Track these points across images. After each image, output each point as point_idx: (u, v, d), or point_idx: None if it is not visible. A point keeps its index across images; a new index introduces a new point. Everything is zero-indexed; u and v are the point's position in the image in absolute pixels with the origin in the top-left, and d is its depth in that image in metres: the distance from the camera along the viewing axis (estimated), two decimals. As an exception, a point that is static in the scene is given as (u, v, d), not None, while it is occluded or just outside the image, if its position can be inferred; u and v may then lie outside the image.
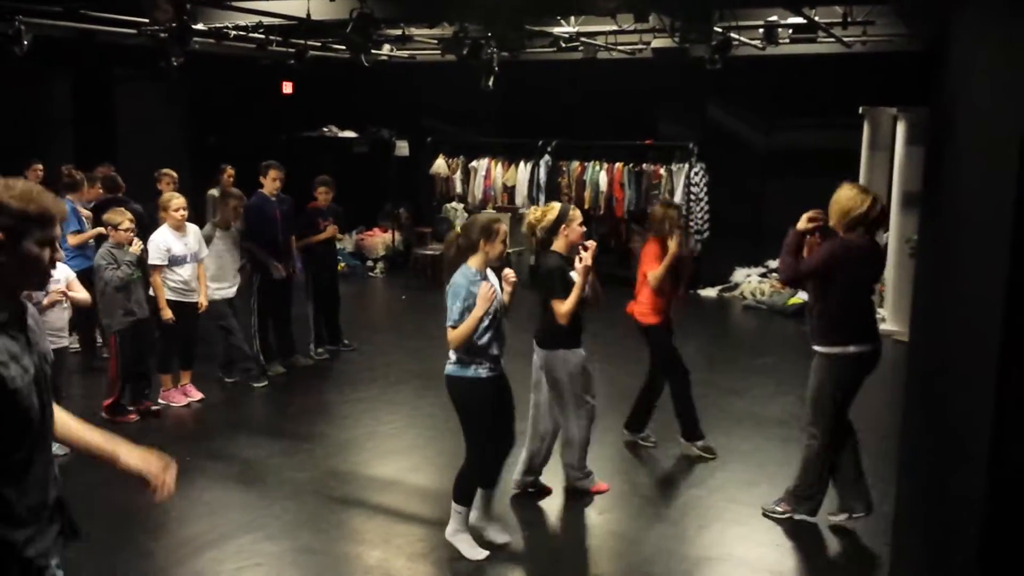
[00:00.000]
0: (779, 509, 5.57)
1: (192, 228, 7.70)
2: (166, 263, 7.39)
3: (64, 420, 2.80)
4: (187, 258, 7.55)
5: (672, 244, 6.45)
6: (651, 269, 6.49)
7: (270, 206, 8.57)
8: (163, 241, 7.42)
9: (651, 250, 6.60)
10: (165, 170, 9.73)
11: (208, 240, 7.97)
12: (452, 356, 5.00)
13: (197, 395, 7.84)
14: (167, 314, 7.38)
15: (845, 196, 5.23)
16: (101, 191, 9.24)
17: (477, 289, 4.82)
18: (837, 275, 5.12)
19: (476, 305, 4.79)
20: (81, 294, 6.49)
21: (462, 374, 4.97)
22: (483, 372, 4.94)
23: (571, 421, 5.73)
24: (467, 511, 5.16)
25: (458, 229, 5.31)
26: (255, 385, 8.31)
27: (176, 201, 7.58)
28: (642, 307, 6.61)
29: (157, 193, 8.69)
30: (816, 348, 5.28)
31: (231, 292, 8.17)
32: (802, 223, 5.33)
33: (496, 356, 4.99)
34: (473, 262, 4.95)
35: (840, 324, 5.16)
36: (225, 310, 8.11)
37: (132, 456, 2.81)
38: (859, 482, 5.40)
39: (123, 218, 7.09)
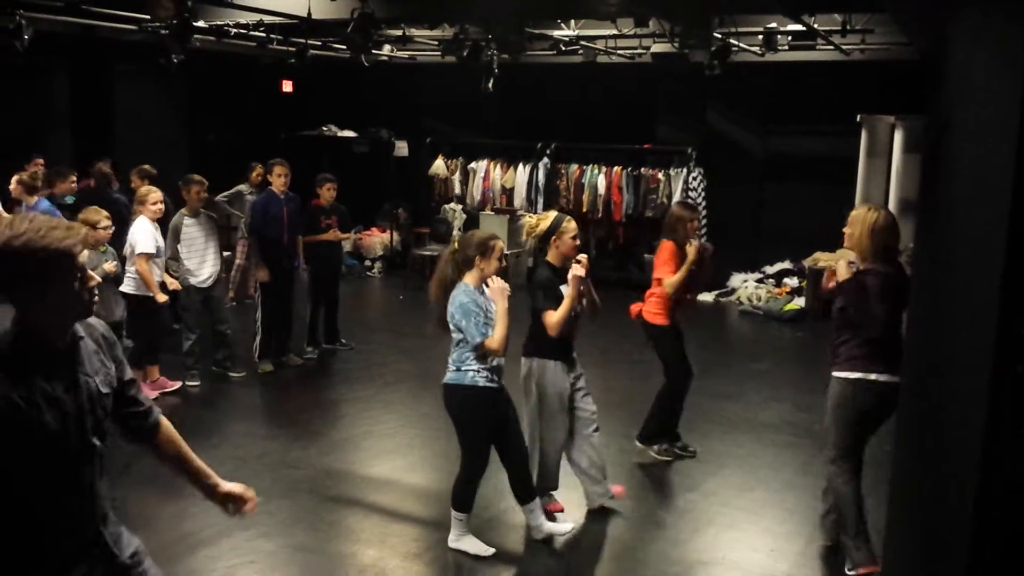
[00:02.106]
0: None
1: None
2: (154, 251, 7.42)
3: (174, 441, 2.95)
4: (159, 252, 7.64)
5: (691, 251, 6.28)
6: (665, 273, 6.35)
7: (276, 204, 8.59)
8: (150, 230, 7.50)
9: (665, 253, 6.43)
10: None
11: (176, 230, 8.00)
12: (451, 365, 4.99)
13: (172, 385, 7.86)
14: (161, 297, 7.51)
15: (882, 219, 4.82)
16: (75, 184, 9.24)
17: (482, 301, 4.87)
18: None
19: (497, 303, 4.82)
20: None
21: (458, 382, 4.95)
22: (480, 381, 4.92)
23: (542, 434, 5.53)
24: (467, 517, 5.17)
25: (455, 244, 5.24)
26: (232, 375, 8.38)
27: (153, 195, 7.68)
28: (652, 308, 6.50)
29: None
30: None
31: (207, 282, 8.16)
32: (843, 272, 4.83)
33: (496, 367, 4.98)
34: (469, 278, 4.94)
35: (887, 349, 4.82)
36: (193, 302, 8.11)
37: (229, 484, 3.00)
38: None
39: (99, 216, 7.03)
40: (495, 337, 4.80)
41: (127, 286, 7.49)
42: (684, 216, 6.46)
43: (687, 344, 6.71)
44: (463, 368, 4.93)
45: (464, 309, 4.83)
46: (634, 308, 6.64)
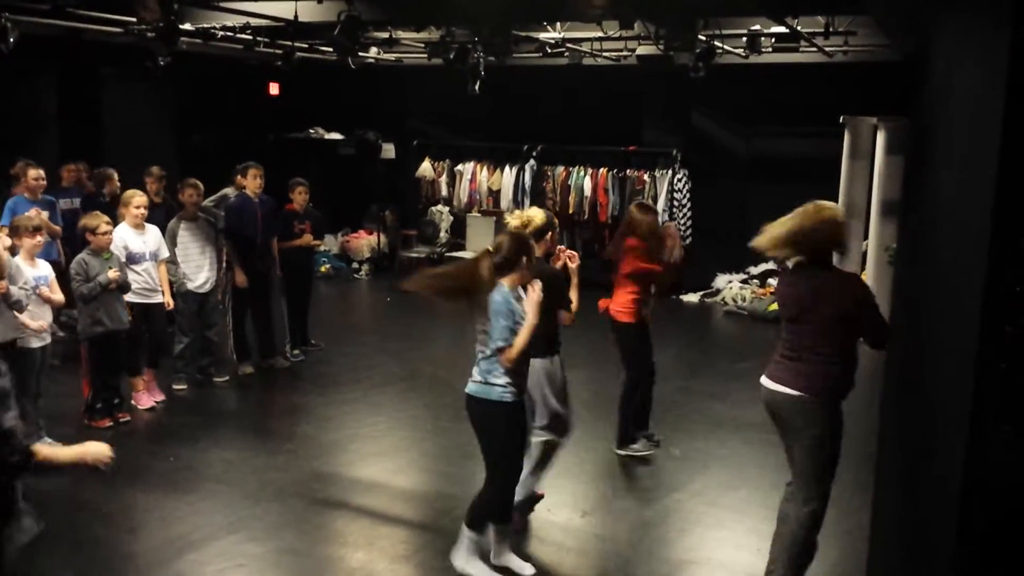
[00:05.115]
0: None
1: (152, 228, 7.72)
2: (123, 260, 7.33)
3: None
4: (145, 256, 7.55)
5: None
6: (635, 267, 6.39)
7: (252, 206, 8.57)
8: (119, 238, 7.38)
9: (634, 248, 6.44)
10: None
11: (173, 235, 7.98)
12: (478, 375, 4.71)
13: (159, 396, 7.80)
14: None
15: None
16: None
17: (516, 305, 4.59)
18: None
19: (528, 315, 4.56)
20: (56, 295, 6.51)
21: (486, 396, 4.68)
22: (508, 396, 4.65)
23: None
24: (478, 537, 4.90)
25: (490, 247, 4.84)
26: (216, 380, 8.36)
27: (137, 199, 7.61)
28: (618, 306, 6.54)
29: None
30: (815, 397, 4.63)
31: (204, 288, 8.14)
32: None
33: (521, 381, 4.73)
34: (507, 281, 4.66)
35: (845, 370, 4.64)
36: (188, 307, 8.07)
37: None
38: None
39: (99, 221, 6.93)
40: (516, 346, 4.55)
41: None
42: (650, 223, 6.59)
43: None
44: (490, 382, 4.66)
45: (496, 307, 4.57)
46: (603, 303, 6.63)
